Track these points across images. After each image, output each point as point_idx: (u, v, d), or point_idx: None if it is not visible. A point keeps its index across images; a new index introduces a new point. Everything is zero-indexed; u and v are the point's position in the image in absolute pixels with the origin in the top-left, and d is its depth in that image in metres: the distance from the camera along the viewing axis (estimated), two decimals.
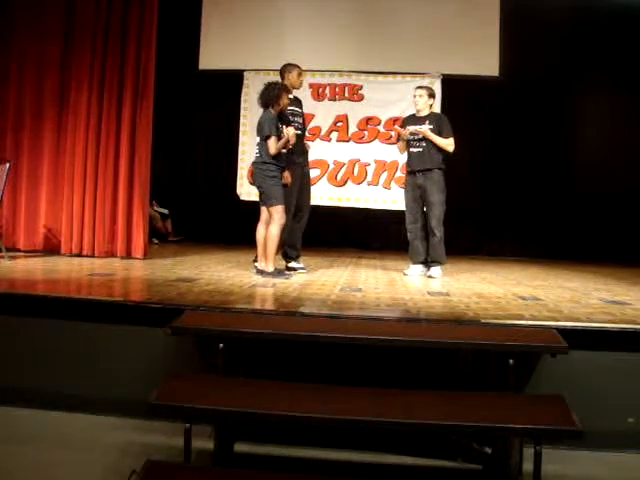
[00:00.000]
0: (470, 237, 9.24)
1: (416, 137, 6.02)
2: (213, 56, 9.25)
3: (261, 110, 5.62)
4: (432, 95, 6.18)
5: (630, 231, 8.58)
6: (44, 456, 3.19)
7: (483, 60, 8.85)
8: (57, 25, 6.82)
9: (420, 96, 6.10)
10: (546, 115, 9.10)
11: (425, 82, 8.30)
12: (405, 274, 6.08)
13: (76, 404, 3.72)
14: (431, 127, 5.96)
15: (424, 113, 6.11)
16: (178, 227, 9.66)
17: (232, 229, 9.21)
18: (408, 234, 6.14)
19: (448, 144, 5.97)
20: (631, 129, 8.83)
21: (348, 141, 9.29)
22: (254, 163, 5.60)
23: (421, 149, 6.01)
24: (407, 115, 6.49)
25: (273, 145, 5.34)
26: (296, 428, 3.30)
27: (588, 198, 8.99)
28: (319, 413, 2.83)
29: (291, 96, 5.89)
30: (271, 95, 5.47)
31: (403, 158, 8.52)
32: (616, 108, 8.85)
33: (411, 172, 6.13)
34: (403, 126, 6.19)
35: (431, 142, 5.95)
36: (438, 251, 5.97)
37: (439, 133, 5.96)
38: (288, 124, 5.64)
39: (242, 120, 9.35)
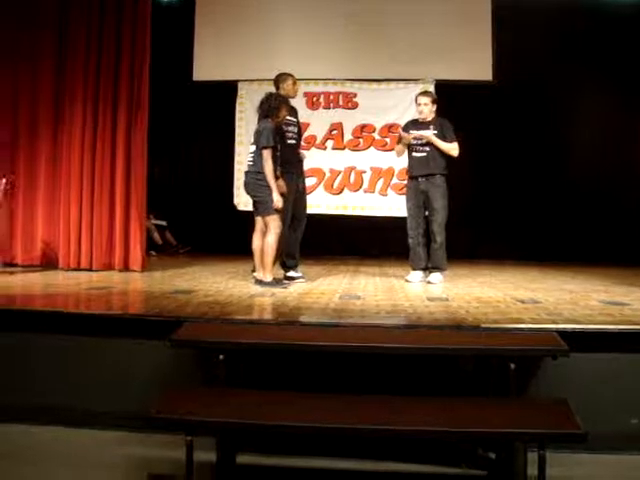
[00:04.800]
0: (467, 241, 9.22)
1: (419, 142, 5.98)
2: (207, 67, 9.27)
3: (256, 119, 5.63)
4: (435, 101, 6.12)
5: (626, 231, 8.59)
6: (43, 473, 3.17)
7: (476, 65, 8.87)
8: (50, 41, 6.82)
9: (425, 104, 6.03)
10: (540, 118, 9.11)
11: (418, 88, 8.31)
12: (407, 280, 6.06)
13: (75, 419, 3.70)
14: (435, 132, 5.93)
15: (428, 119, 6.06)
16: (181, 238, 9.68)
17: (230, 239, 9.17)
18: (409, 240, 6.10)
19: (452, 148, 5.93)
20: (626, 131, 8.85)
21: (343, 149, 9.30)
22: (248, 172, 5.54)
23: (425, 154, 5.95)
24: (409, 120, 6.44)
25: (268, 157, 5.32)
26: (299, 438, 3.29)
27: (584, 199, 9.00)
28: (322, 423, 2.82)
29: None
30: (272, 106, 5.46)
31: (399, 164, 8.59)
32: (611, 110, 8.87)
33: (413, 177, 6.08)
34: (405, 130, 6.12)
35: (435, 147, 5.91)
36: (439, 257, 5.94)
37: (443, 138, 5.92)
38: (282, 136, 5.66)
39: (237, 130, 9.35)
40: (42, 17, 6.85)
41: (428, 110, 6.04)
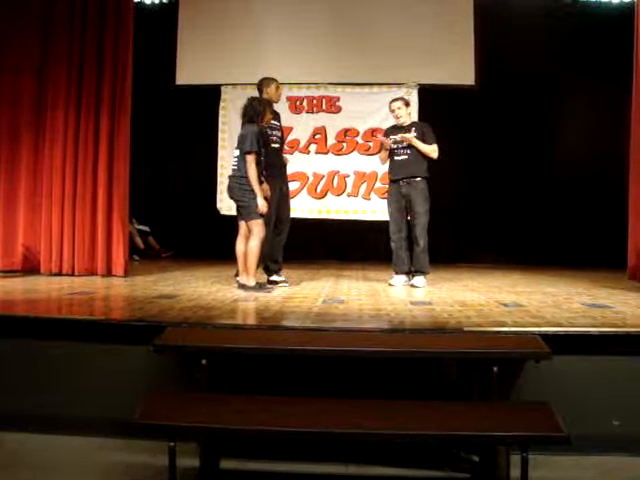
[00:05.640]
0: (451, 244, 9.26)
1: (400, 145, 6.03)
2: (190, 71, 9.22)
3: (239, 124, 5.62)
4: (407, 103, 6.26)
5: (608, 235, 8.64)
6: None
7: (459, 69, 8.89)
8: (33, 45, 6.75)
9: (399, 108, 6.12)
10: (523, 122, 9.16)
11: (402, 92, 8.38)
12: (390, 284, 6.07)
13: (57, 425, 3.66)
14: (416, 135, 5.99)
15: (407, 122, 6.14)
16: (165, 242, 9.63)
17: (213, 243, 9.15)
18: (392, 244, 6.13)
19: (433, 150, 6.00)
20: (608, 136, 8.89)
21: (327, 153, 9.29)
22: (231, 177, 5.53)
23: (406, 157, 6.02)
24: (389, 126, 6.49)
25: (252, 161, 5.31)
26: (283, 442, 3.28)
27: (567, 204, 9.06)
28: (304, 427, 2.81)
29: None
30: (257, 110, 5.46)
31: (382, 169, 8.56)
32: (595, 113, 8.91)
33: (394, 181, 6.13)
34: (386, 136, 6.20)
35: (416, 150, 5.97)
36: (422, 261, 5.97)
37: (423, 140, 5.99)
38: (267, 140, 5.65)
39: (220, 135, 9.32)
40: (25, 22, 6.78)
41: (404, 113, 6.13)
